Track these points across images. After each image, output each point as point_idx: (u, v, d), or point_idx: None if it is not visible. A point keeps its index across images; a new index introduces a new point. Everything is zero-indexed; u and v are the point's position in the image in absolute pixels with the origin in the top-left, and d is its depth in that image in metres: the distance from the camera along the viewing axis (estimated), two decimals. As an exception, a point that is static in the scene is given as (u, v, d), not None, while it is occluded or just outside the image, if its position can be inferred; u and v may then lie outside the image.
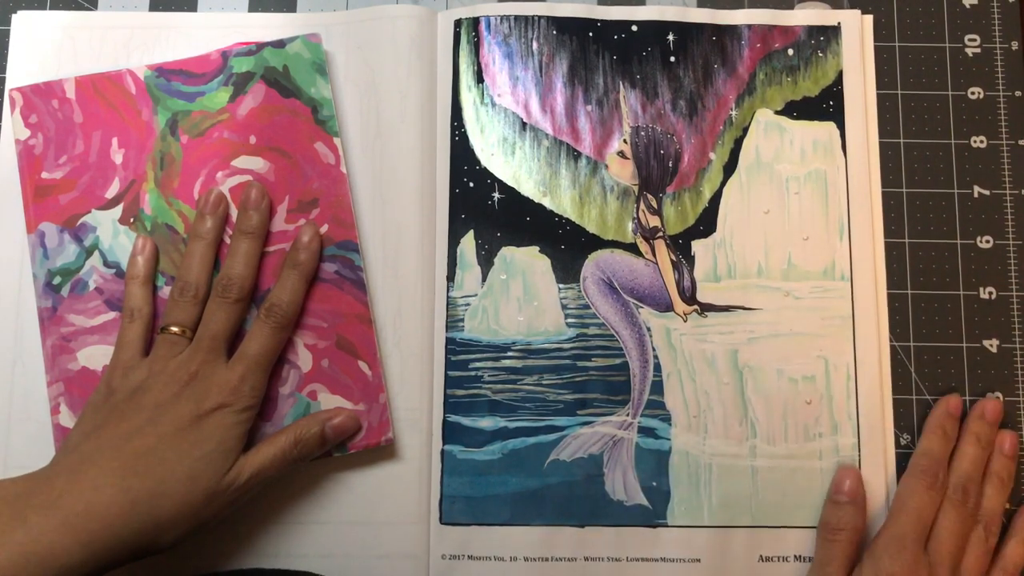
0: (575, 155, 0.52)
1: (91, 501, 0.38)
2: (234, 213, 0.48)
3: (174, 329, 0.45)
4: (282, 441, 0.44)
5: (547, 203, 0.51)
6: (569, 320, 0.50)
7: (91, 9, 0.53)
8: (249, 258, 0.47)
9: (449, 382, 0.49)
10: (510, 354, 0.50)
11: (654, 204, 0.51)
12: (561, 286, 0.51)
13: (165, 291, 0.48)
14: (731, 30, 0.53)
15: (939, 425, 0.48)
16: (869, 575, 0.44)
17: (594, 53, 0.52)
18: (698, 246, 0.51)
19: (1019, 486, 0.49)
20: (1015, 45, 0.53)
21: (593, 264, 0.51)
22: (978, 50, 0.53)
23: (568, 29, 0.53)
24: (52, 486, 0.39)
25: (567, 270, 0.51)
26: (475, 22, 0.52)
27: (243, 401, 0.43)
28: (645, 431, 0.49)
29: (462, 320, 0.50)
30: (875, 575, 0.44)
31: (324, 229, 0.48)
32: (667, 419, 0.49)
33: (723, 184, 0.52)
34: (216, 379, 0.43)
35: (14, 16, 0.52)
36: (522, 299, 0.50)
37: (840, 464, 0.49)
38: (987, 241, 0.51)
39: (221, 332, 0.45)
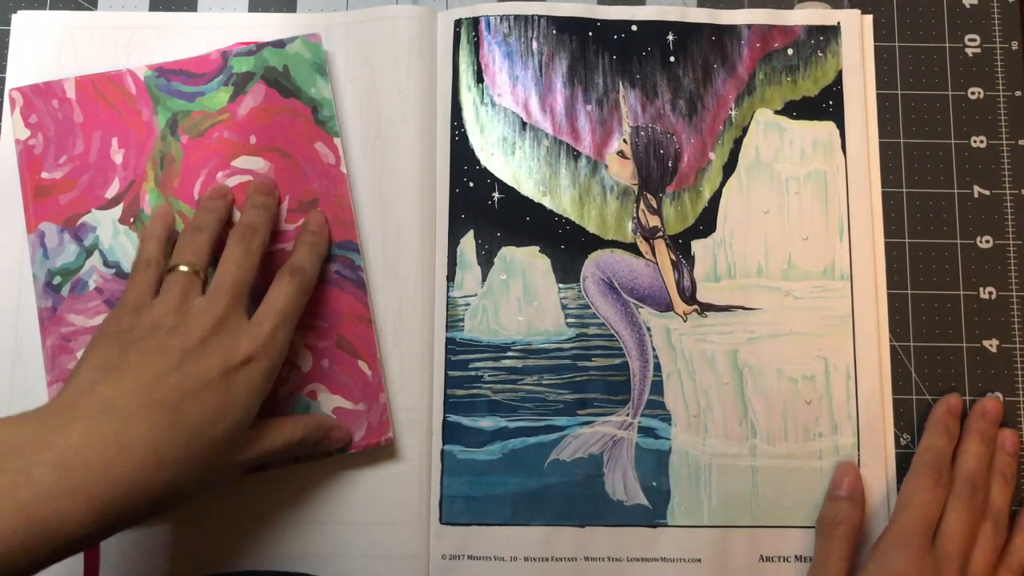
0: (575, 155, 0.52)
1: (111, 462, 0.33)
2: (235, 214, 0.48)
3: (183, 268, 0.41)
4: (289, 433, 0.43)
5: (547, 203, 0.51)
6: (569, 320, 0.50)
7: (91, 9, 0.53)
8: (267, 211, 0.45)
9: (449, 382, 0.49)
10: (510, 354, 0.50)
11: (654, 204, 0.51)
12: (561, 286, 0.51)
13: None
14: (731, 30, 0.53)
15: (941, 423, 0.48)
16: (874, 572, 0.44)
17: (594, 53, 0.52)
18: (698, 246, 0.51)
19: (1019, 485, 0.49)
20: (1015, 45, 0.53)
21: (593, 264, 0.51)
22: (978, 50, 0.53)
23: (568, 29, 0.53)
24: (67, 437, 0.33)
25: (567, 270, 0.51)
26: (475, 22, 0.52)
27: (273, 356, 0.40)
28: (645, 431, 0.49)
29: (462, 320, 0.50)
30: (880, 572, 0.43)
31: (324, 229, 0.49)
32: (667, 419, 0.49)
33: (723, 184, 0.52)
34: (246, 330, 0.40)
35: (14, 16, 0.52)
36: (522, 299, 0.50)
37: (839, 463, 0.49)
38: (987, 241, 0.51)
39: (243, 280, 0.41)
